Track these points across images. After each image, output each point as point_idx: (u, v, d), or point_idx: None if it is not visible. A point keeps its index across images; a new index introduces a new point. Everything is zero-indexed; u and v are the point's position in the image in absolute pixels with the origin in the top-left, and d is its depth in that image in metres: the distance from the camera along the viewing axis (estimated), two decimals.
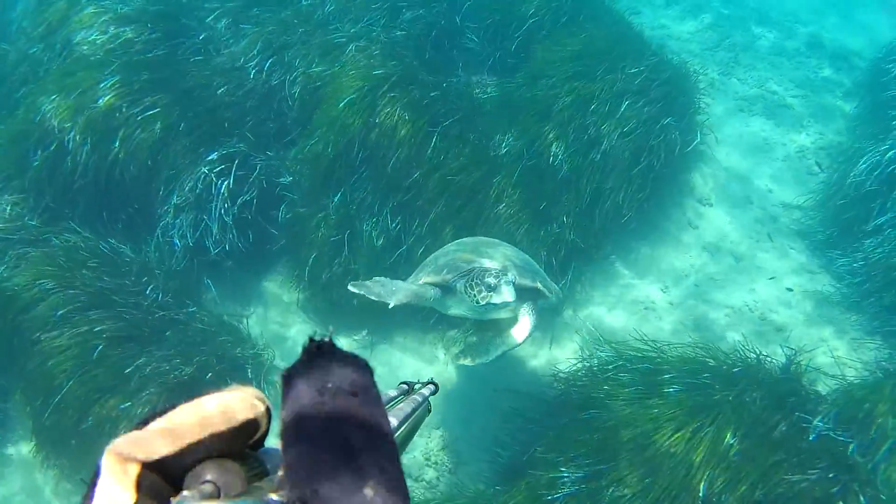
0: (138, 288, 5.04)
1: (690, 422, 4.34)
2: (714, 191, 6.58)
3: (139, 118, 5.29)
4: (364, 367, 0.60)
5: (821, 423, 4.45)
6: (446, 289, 4.20)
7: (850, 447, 4.41)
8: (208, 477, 0.58)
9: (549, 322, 5.53)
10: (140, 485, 0.55)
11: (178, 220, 5.29)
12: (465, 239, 4.74)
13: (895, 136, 6.35)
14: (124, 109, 5.27)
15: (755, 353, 4.81)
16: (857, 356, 5.46)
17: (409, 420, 0.96)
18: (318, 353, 0.59)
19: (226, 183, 5.31)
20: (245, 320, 5.44)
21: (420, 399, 1.06)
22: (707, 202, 6.48)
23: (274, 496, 0.55)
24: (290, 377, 0.58)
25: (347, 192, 5.48)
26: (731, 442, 4.25)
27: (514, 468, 4.74)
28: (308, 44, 5.97)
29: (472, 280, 3.94)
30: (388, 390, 1.01)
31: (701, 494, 4.12)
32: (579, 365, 5.09)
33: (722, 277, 6.00)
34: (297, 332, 5.56)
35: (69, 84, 5.37)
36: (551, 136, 5.83)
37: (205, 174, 5.31)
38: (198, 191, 5.30)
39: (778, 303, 5.86)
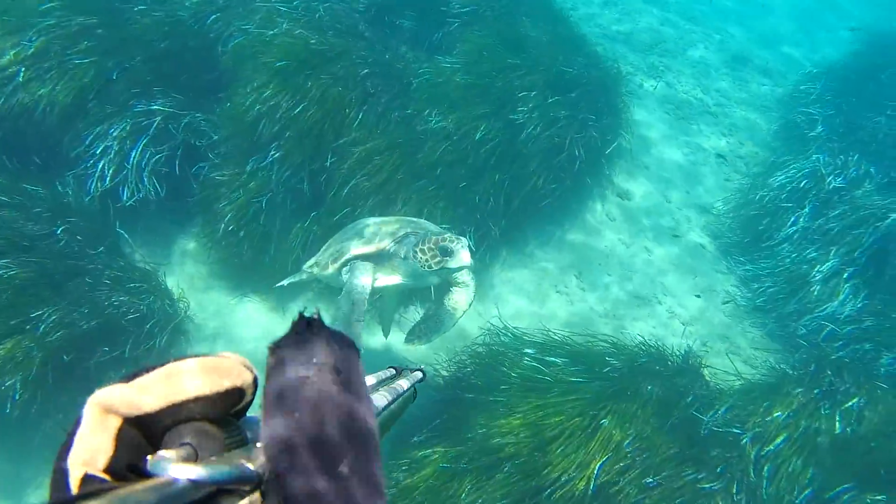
0: (49, 230, 4.70)
1: (589, 409, 4.33)
2: (633, 187, 6.64)
3: (72, 63, 4.99)
4: (350, 347, 0.60)
5: (715, 417, 4.51)
6: (379, 257, 4.03)
7: (743, 440, 4.49)
8: (187, 439, 0.58)
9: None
10: (119, 438, 0.55)
11: (99, 166, 5.01)
12: (387, 217, 4.57)
13: (809, 154, 6.58)
14: (57, 52, 4.99)
15: (659, 346, 4.85)
16: (756, 356, 5.59)
17: (393, 404, 0.95)
18: (307, 329, 0.58)
19: (148, 134, 5.07)
20: (161, 270, 5.17)
21: (406, 385, 1.04)
22: (626, 197, 6.54)
23: (250, 465, 0.54)
24: (276, 350, 0.57)
25: (270, 154, 5.28)
26: (630, 431, 4.26)
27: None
28: (249, 7, 5.75)
29: (423, 245, 3.73)
30: (375, 373, 1.00)
31: (593, 478, 4.11)
32: (482, 346, 5.01)
33: (634, 270, 6.05)
34: (211, 288, 5.34)
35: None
36: (479, 118, 5.75)
37: (131, 124, 5.08)
38: (121, 140, 5.05)
39: (686, 300, 5.95)
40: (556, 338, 4.87)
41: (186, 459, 0.56)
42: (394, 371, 1.10)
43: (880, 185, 6.14)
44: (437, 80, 6.00)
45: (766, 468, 4.47)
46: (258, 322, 5.23)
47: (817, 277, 5.72)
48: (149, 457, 0.54)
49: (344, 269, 4.03)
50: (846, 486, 4.49)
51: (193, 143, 5.32)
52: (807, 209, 6.16)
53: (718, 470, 4.32)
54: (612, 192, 6.52)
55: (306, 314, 0.59)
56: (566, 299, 5.73)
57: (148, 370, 0.59)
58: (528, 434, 4.25)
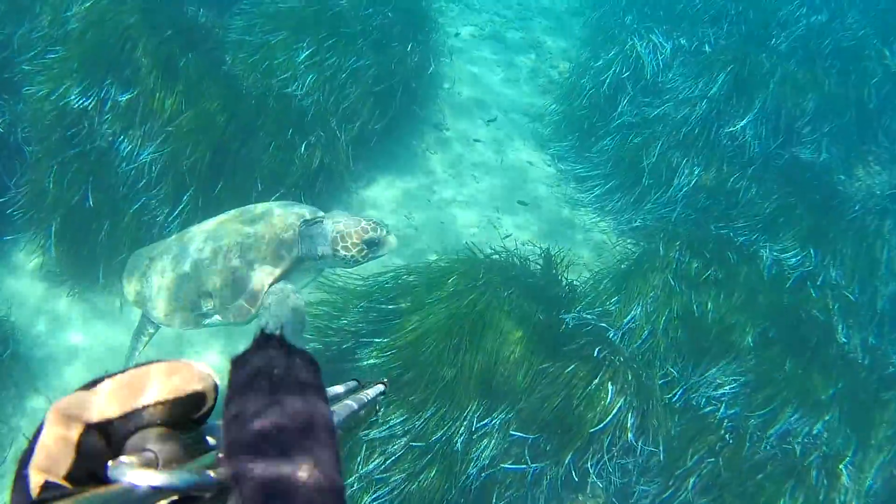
0: None
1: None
2: (454, 114, 6.31)
3: None
4: (310, 361, 0.61)
5: (578, 314, 4.29)
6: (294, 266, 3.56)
7: (609, 333, 4.31)
8: (149, 445, 0.58)
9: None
10: (80, 445, 0.56)
11: None
12: (227, 220, 3.78)
13: (624, 43, 6.42)
14: None
15: (509, 257, 4.54)
16: (605, 250, 5.46)
17: (354, 415, 0.93)
18: (268, 344, 0.60)
19: None
20: None
21: (367, 398, 1.01)
22: (445, 127, 6.19)
23: (211, 473, 0.54)
24: (238, 363, 0.59)
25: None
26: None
27: None
28: None
29: (345, 242, 3.43)
30: (337, 385, 0.98)
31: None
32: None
33: (465, 198, 5.73)
34: (39, 289, 4.59)
35: None
36: (300, 60, 5.17)
37: None
38: None
39: (518, 213, 5.71)
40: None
41: (147, 466, 0.56)
42: (356, 383, 1.10)
43: (689, 58, 6.14)
44: (249, 25, 5.35)
45: (637, 359, 4.33)
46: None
47: (648, 162, 5.65)
48: (110, 463, 0.55)
49: (265, 301, 3.46)
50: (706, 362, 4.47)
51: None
52: (628, 98, 6.08)
53: (590, 366, 4.12)
54: (432, 125, 6.16)
55: (267, 331, 0.60)
56: (400, 241, 5.31)
57: (110, 377, 0.60)
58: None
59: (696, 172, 5.56)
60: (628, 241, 5.53)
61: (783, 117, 5.70)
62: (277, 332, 0.61)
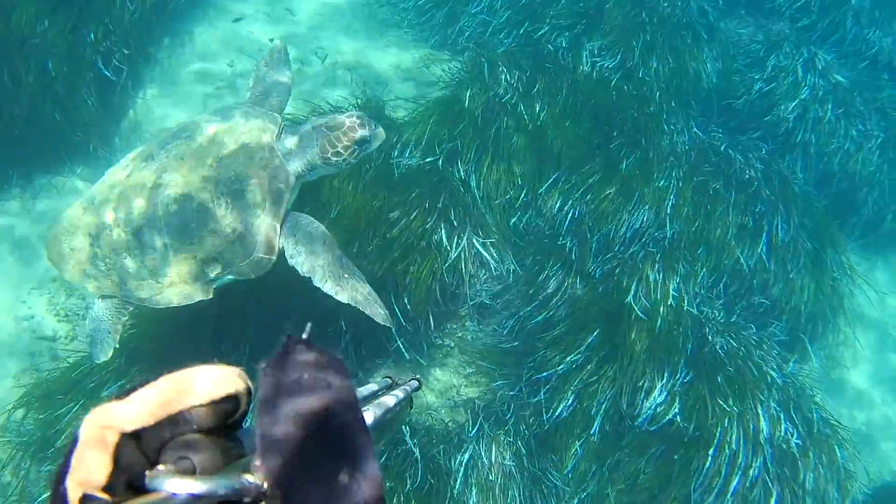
0: None
1: None
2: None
3: None
4: (339, 364, 0.63)
5: (405, 154, 3.93)
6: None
7: (440, 162, 3.99)
8: (185, 453, 0.57)
9: None
10: (117, 456, 0.55)
11: None
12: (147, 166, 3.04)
13: None
14: None
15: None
16: (427, 74, 5.02)
17: (388, 414, 0.94)
18: (296, 349, 0.61)
19: None
20: None
21: (401, 395, 1.02)
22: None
23: (249, 477, 0.54)
24: (268, 369, 0.60)
25: None
26: None
27: None
28: None
29: (334, 149, 3.02)
30: (370, 383, 1.00)
31: None
32: None
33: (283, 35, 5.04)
34: None
35: None
36: None
37: None
38: None
39: (341, 44, 5.11)
40: None
41: (185, 474, 0.55)
42: (390, 381, 1.09)
43: None
44: None
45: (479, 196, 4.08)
46: None
47: None
48: (147, 472, 0.55)
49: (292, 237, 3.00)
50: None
51: None
52: None
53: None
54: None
55: (294, 335, 0.62)
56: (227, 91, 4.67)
57: (143, 385, 0.59)
58: None
59: None
60: (445, 55, 5.10)
61: None
62: (305, 335, 0.63)
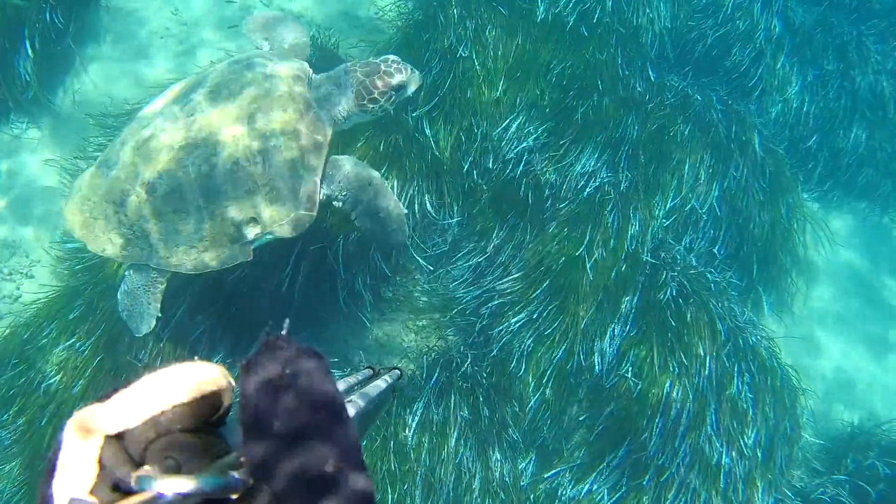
0: None
1: None
2: None
3: None
4: (319, 358, 0.63)
5: None
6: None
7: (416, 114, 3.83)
8: (170, 452, 0.57)
9: None
10: (102, 458, 0.55)
11: None
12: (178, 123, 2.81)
13: None
14: None
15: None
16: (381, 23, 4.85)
17: (371, 405, 0.92)
18: (275, 345, 0.61)
19: None
20: None
21: (383, 385, 1.01)
22: None
23: (236, 474, 0.55)
24: (248, 366, 0.60)
25: None
26: None
27: None
28: None
29: (370, 95, 2.91)
30: (350, 376, 0.97)
31: None
32: None
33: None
34: None
35: None
36: None
37: None
38: None
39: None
40: None
41: (171, 473, 0.55)
42: (371, 371, 1.08)
43: None
44: None
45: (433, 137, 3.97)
46: None
47: None
48: (133, 473, 0.54)
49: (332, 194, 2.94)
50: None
51: None
52: None
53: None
54: None
55: (272, 332, 0.63)
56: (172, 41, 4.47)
57: (124, 387, 0.59)
58: None
59: None
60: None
61: None
62: (283, 331, 0.63)
